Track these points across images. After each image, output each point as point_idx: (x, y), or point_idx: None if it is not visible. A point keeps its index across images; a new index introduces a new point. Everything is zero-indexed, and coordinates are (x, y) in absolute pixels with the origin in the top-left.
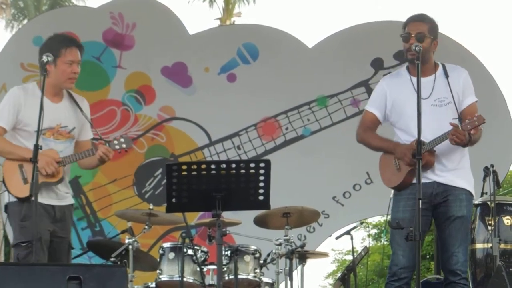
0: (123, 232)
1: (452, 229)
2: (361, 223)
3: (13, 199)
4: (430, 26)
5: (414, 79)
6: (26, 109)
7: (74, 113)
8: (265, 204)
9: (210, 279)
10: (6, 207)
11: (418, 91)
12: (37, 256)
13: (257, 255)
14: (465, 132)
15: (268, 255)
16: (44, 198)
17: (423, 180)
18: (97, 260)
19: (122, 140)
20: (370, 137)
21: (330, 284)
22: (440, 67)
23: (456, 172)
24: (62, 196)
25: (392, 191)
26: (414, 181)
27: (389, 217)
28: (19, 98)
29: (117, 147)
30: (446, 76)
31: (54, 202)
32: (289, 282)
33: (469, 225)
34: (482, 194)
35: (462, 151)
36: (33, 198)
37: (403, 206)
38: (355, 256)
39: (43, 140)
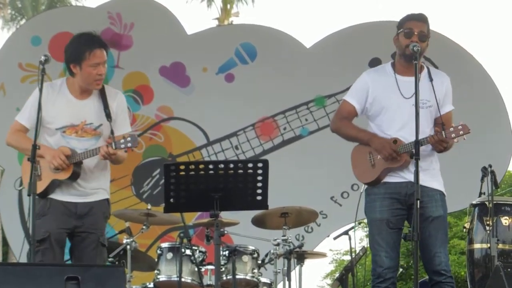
0: (121, 232)
1: (431, 230)
2: (359, 223)
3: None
4: (428, 28)
5: (400, 77)
6: (48, 106)
7: (102, 110)
8: (263, 204)
9: (208, 279)
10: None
11: (416, 92)
12: (44, 256)
13: (255, 255)
14: (448, 140)
15: (266, 255)
16: (65, 196)
17: (397, 179)
18: None
19: (128, 139)
20: (346, 126)
21: (328, 285)
22: (425, 70)
23: (429, 172)
24: (86, 193)
25: (363, 185)
26: (387, 179)
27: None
28: (43, 95)
29: (123, 145)
30: (430, 79)
31: (75, 199)
32: (287, 283)
33: (447, 224)
34: (480, 194)
35: (434, 153)
36: (37, 197)
37: (379, 206)
38: (353, 256)
39: (63, 137)
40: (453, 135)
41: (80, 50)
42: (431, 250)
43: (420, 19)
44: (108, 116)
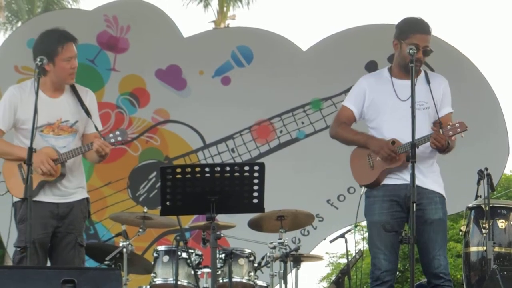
0: (117, 235)
1: (430, 233)
2: (356, 226)
3: (16, 199)
4: (430, 37)
5: (396, 80)
6: (22, 107)
7: (76, 107)
8: (260, 207)
9: (205, 282)
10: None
11: (412, 95)
12: (31, 261)
13: (252, 258)
14: (446, 137)
15: (263, 258)
16: (48, 196)
17: (397, 181)
18: (91, 263)
19: (117, 133)
20: (343, 131)
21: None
22: (422, 73)
23: (429, 175)
24: (68, 193)
25: (363, 188)
26: (386, 181)
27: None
28: (15, 97)
29: (113, 140)
30: (428, 82)
31: (58, 200)
32: (283, 285)
33: (446, 227)
34: (477, 197)
35: (434, 155)
36: (21, 200)
37: (379, 209)
38: (350, 259)
39: (42, 137)
40: (450, 132)
41: (52, 46)
42: (430, 253)
43: (426, 31)
44: (87, 112)
